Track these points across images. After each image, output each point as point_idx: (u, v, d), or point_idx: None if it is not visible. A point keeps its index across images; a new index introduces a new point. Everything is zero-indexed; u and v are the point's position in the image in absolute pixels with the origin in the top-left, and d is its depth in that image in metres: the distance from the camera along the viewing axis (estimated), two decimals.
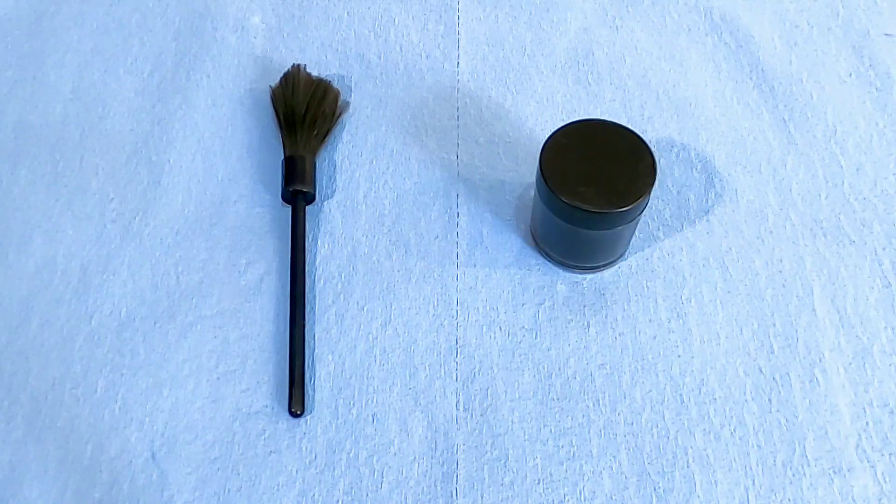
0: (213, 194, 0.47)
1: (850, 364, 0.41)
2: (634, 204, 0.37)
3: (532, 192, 0.44)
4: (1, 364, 0.42)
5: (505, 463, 0.39)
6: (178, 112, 0.50)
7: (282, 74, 0.50)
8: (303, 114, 0.47)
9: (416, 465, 0.39)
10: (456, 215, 0.46)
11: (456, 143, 0.49)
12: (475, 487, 0.38)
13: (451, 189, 0.47)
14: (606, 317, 0.43)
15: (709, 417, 0.40)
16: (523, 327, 0.42)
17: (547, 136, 0.40)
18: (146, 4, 0.55)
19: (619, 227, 0.39)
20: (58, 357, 0.42)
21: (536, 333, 0.42)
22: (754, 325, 0.42)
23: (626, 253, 0.44)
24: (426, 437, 0.39)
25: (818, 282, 0.43)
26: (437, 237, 0.45)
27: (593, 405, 0.40)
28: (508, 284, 0.44)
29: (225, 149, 0.49)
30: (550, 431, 0.40)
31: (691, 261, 0.44)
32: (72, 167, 0.48)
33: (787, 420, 0.39)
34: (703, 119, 0.50)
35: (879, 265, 0.44)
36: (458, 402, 0.40)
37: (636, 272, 0.44)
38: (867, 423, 0.39)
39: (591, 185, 0.38)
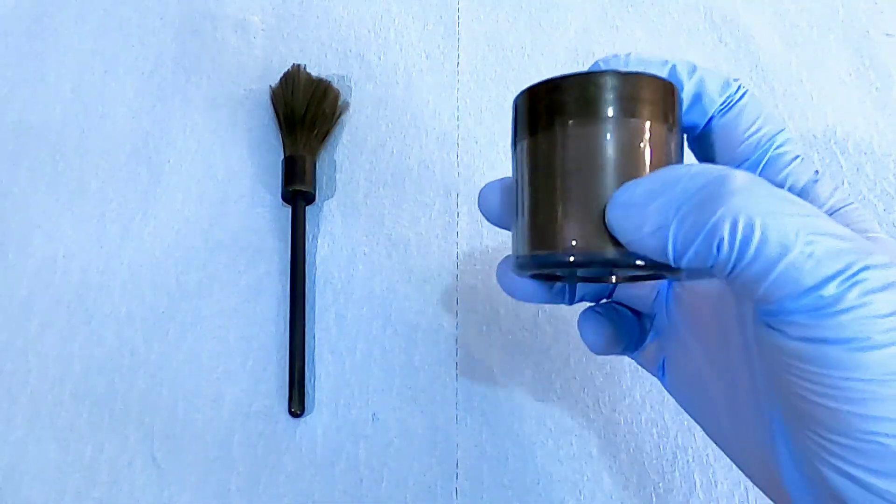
0: (213, 194, 0.47)
1: None
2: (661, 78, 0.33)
3: None
4: (1, 364, 0.42)
5: (505, 463, 0.39)
6: (178, 112, 0.50)
7: (282, 74, 0.50)
8: (303, 114, 0.47)
9: (416, 465, 0.39)
10: (456, 215, 0.46)
11: (456, 143, 0.49)
12: (475, 487, 0.38)
13: (452, 189, 0.47)
14: None
15: None
16: (523, 327, 0.42)
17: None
18: (146, 4, 0.55)
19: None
20: (58, 357, 0.42)
21: (536, 333, 0.42)
22: None
23: None
24: (426, 437, 0.39)
25: None
26: (437, 237, 0.45)
27: (593, 405, 0.40)
28: None
29: (225, 149, 0.49)
30: (550, 431, 0.40)
31: None
32: (72, 167, 0.48)
33: None
34: None
35: None
36: (457, 402, 0.40)
37: None
38: None
39: None
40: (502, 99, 0.50)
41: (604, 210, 0.22)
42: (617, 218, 0.22)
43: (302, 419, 0.40)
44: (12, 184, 0.48)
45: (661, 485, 0.38)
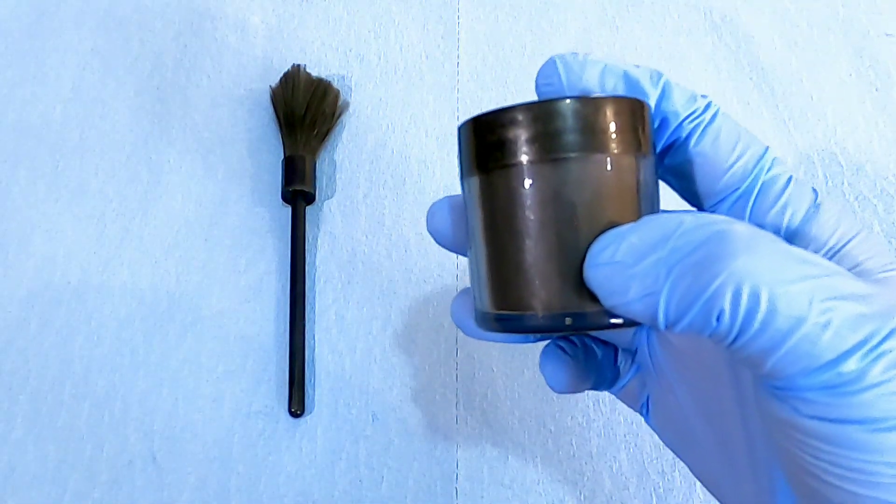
0: (213, 194, 0.47)
1: None
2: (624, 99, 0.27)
3: None
4: (1, 364, 0.42)
5: (505, 463, 0.39)
6: (178, 112, 0.50)
7: (282, 74, 0.50)
8: (303, 114, 0.47)
9: (416, 464, 0.39)
10: None
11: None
12: (475, 487, 0.38)
13: (452, 190, 0.47)
14: None
15: None
16: None
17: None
18: (146, 4, 0.55)
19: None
20: (58, 357, 0.42)
21: None
22: None
23: None
24: (426, 437, 0.39)
25: None
26: None
27: (593, 405, 0.40)
28: None
29: (225, 149, 0.49)
30: (550, 431, 0.40)
31: None
32: (72, 167, 0.48)
33: None
34: None
35: None
36: (458, 402, 0.40)
37: None
38: None
39: None
40: (502, 99, 0.50)
41: (579, 264, 0.19)
42: (597, 279, 0.19)
43: (302, 419, 0.40)
44: (12, 184, 0.48)
45: (661, 485, 0.38)
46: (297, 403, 0.40)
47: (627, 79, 0.22)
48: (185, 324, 0.43)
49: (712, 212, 0.23)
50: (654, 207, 0.21)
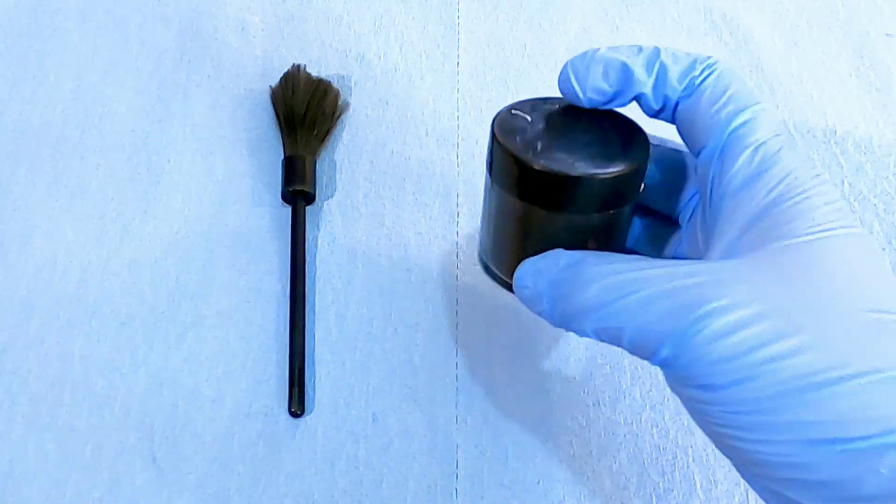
0: (213, 194, 0.47)
1: None
2: (631, 168, 0.27)
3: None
4: (1, 364, 0.42)
5: (505, 463, 0.39)
6: (178, 112, 0.50)
7: (282, 74, 0.50)
8: (303, 114, 0.47)
9: (416, 465, 0.39)
10: (456, 215, 0.46)
11: (456, 143, 0.49)
12: (475, 487, 0.38)
13: (452, 189, 0.47)
14: None
15: None
16: (523, 327, 0.42)
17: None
18: (146, 4, 0.55)
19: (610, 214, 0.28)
20: (58, 357, 0.42)
21: (536, 333, 0.42)
22: None
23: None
24: (426, 437, 0.39)
25: None
26: (437, 237, 0.45)
27: (593, 405, 0.40)
28: None
29: (225, 149, 0.49)
30: (550, 431, 0.40)
31: None
32: (72, 167, 0.48)
33: None
34: None
35: None
36: (457, 402, 0.40)
37: None
38: None
39: (572, 152, 0.27)
40: (502, 99, 0.50)
41: (525, 258, 0.29)
42: (517, 288, 0.29)
43: (302, 419, 0.40)
44: (12, 184, 0.48)
45: (661, 485, 0.38)
46: (297, 403, 0.40)
47: (625, 71, 0.26)
48: (185, 324, 0.43)
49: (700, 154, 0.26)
50: (614, 241, 0.29)
